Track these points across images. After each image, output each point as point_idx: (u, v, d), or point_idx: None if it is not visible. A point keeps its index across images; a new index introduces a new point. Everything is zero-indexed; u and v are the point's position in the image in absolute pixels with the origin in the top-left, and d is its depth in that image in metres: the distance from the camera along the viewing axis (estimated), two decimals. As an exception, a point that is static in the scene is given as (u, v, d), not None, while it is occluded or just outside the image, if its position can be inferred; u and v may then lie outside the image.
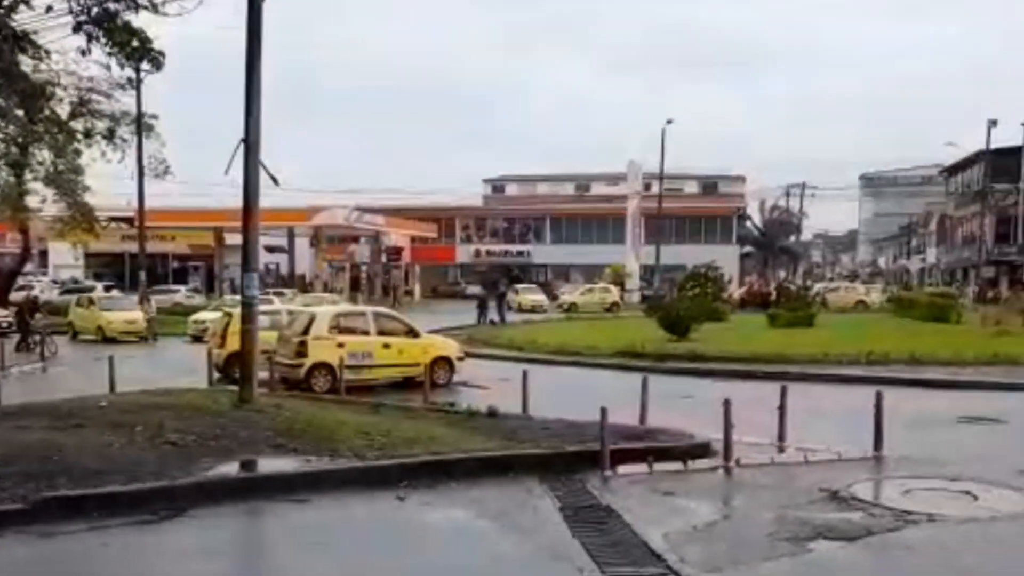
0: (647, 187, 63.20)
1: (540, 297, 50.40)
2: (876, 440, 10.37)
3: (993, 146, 54.51)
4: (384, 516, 8.11)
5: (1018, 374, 17.58)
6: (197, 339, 26.57)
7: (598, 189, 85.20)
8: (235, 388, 12.78)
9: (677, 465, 9.74)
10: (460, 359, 18.45)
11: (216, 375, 17.31)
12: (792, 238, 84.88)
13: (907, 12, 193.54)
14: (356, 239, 60.39)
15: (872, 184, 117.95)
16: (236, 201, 13.11)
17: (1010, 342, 21.74)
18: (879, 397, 10.46)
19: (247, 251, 12.57)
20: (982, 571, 6.77)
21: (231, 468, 8.89)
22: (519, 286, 53.53)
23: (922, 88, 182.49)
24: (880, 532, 7.54)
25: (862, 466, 9.97)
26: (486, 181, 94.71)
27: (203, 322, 27.59)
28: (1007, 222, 57.31)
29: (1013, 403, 14.69)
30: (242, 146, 11.95)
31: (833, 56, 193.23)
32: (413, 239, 66.39)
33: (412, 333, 18.02)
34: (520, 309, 45.59)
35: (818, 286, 55.60)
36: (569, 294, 51.19)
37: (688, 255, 53.25)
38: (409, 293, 62.22)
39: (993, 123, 52.81)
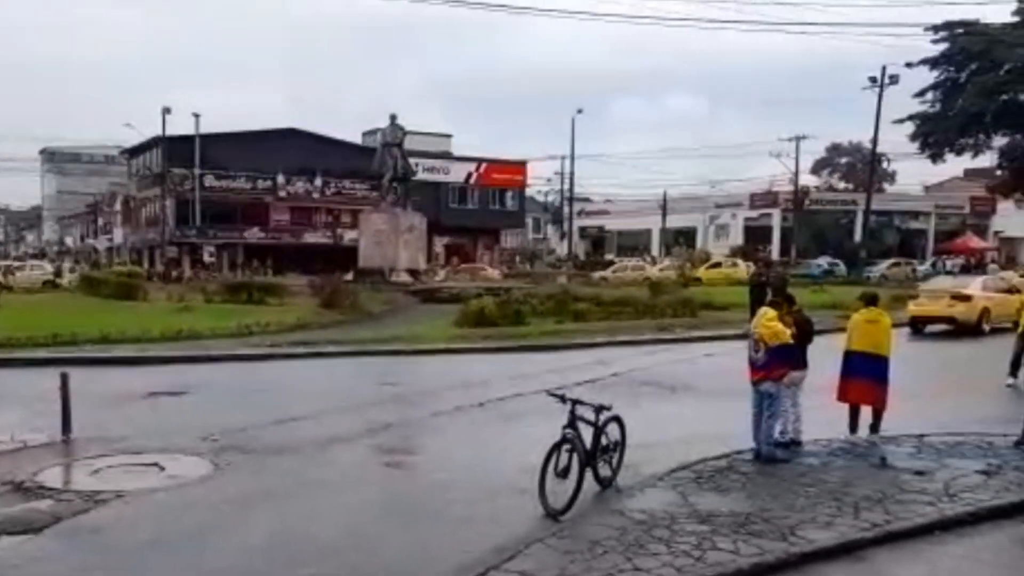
0: None
1: None
2: (64, 423, 10.14)
3: (169, 132, 57.50)
4: None
5: (200, 347, 18.94)
6: None
7: None
8: None
9: None
10: None
11: None
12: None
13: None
14: None
15: (54, 160, 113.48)
16: None
17: (193, 318, 23.30)
18: (65, 379, 10.24)
19: None
20: (167, 538, 7.16)
21: None
22: None
23: (110, 67, 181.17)
24: (69, 517, 7.46)
25: (51, 452, 9.68)
26: None
27: None
28: (186, 205, 61.02)
29: (196, 375, 15.74)
30: None
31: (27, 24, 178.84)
32: None
33: None
34: None
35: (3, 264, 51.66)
36: None
37: None
38: None
39: (167, 111, 55.63)
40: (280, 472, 9.17)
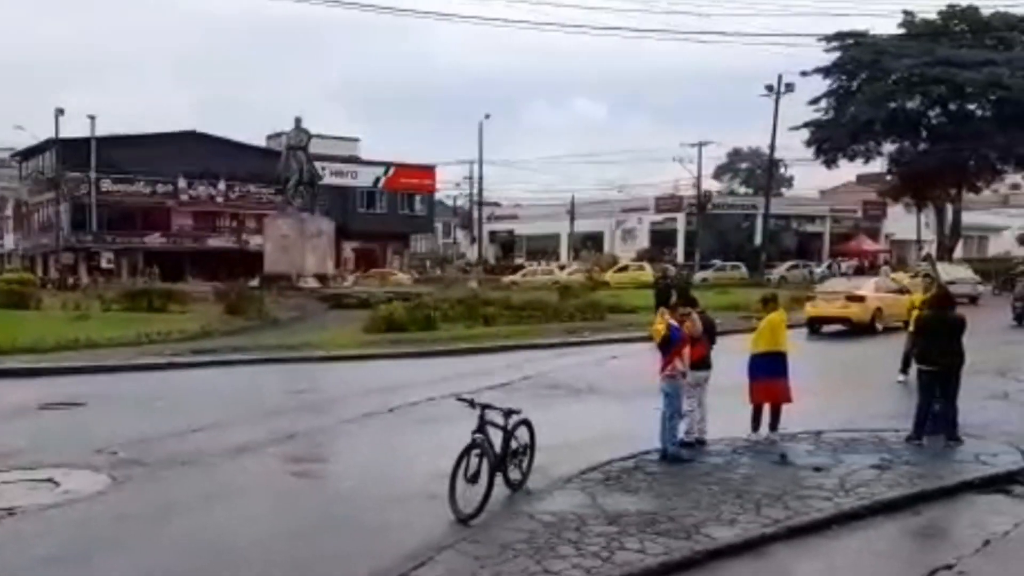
0: None
1: None
2: (-49, 440, 9.68)
3: (64, 135, 55.24)
4: None
5: (98, 357, 18.26)
6: None
7: None
8: None
9: None
10: None
11: None
12: None
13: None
14: None
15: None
16: None
17: (90, 326, 22.43)
18: (-46, 393, 9.78)
19: None
20: (62, 555, 6.89)
21: None
22: None
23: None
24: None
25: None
26: None
27: None
28: (82, 209, 58.80)
29: (94, 386, 15.13)
30: None
31: None
32: None
33: None
34: None
35: None
36: None
37: None
38: None
39: (61, 112, 53.46)
40: (182, 485, 8.92)
